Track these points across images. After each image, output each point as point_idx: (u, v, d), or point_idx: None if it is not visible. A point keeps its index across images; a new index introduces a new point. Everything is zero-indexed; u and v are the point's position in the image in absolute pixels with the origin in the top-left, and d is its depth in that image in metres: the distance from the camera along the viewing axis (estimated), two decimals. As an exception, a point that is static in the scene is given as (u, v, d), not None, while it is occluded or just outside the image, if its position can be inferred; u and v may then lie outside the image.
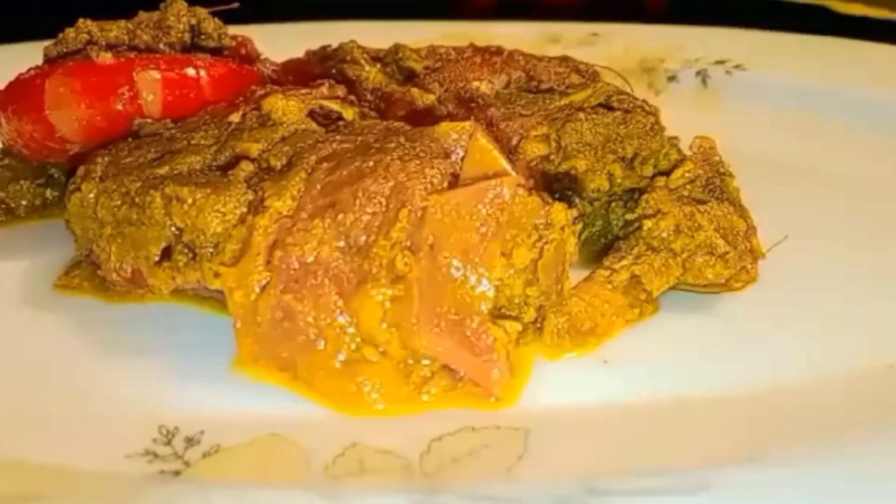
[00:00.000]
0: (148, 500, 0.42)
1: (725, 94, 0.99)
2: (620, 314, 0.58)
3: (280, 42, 0.81)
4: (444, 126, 0.56)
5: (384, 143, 0.55)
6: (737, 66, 1.02)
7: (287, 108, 0.60)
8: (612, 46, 1.06)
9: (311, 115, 0.61)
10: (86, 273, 0.63)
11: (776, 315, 0.59)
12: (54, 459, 0.46)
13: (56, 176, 0.72)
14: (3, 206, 0.71)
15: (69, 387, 0.54)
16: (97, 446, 0.48)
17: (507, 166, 0.55)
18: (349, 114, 0.62)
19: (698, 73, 1.02)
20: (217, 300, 0.58)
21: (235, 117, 0.61)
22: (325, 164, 0.54)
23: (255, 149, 0.57)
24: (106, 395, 0.53)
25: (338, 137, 0.57)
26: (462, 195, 0.52)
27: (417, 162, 0.54)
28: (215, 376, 0.53)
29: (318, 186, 0.53)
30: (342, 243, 0.51)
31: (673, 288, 0.60)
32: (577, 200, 0.62)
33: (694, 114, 0.87)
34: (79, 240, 0.61)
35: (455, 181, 0.54)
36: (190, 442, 0.48)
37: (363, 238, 0.51)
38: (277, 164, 0.56)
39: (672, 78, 1.02)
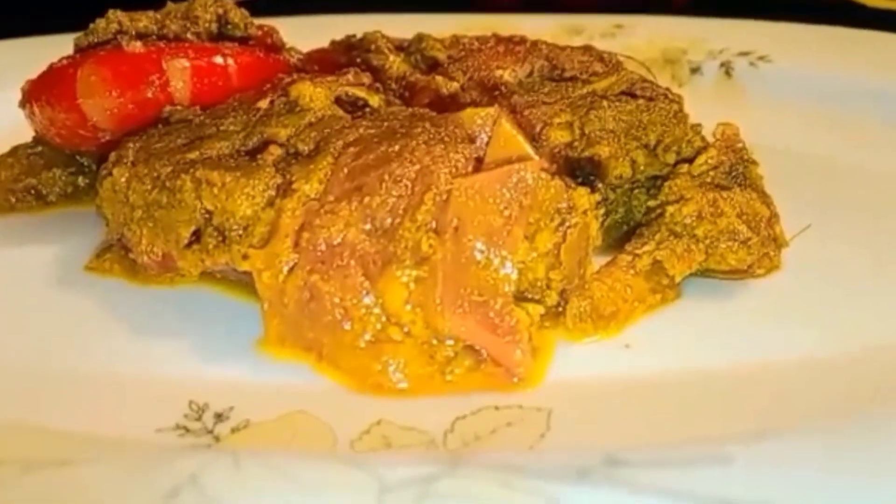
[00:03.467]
0: (180, 467, 0.43)
1: (749, 86, 0.99)
2: (642, 299, 0.58)
3: (305, 33, 0.83)
4: (469, 112, 0.57)
5: (410, 128, 0.56)
6: (761, 58, 1.02)
7: (314, 94, 0.60)
8: (635, 38, 1.06)
9: (338, 101, 0.62)
10: (116, 256, 0.64)
11: (798, 301, 0.59)
12: (85, 429, 0.48)
13: (87, 164, 0.73)
14: (35, 192, 0.73)
15: (100, 363, 0.55)
16: (128, 420, 0.50)
17: (530, 151, 0.55)
18: (375, 101, 0.63)
19: (722, 65, 1.02)
20: (245, 283, 0.59)
21: (263, 104, 0.62)
22: (351, 149, 0.55)
23: (283, 134, 0.58)
24: (137, 372, 0.54)
25: (364, 123, 0.58)
26: (486, 179, 0.53)
27: (442, 146, 0.54)
28: (243, 355, 0.54)
29: (345, 170, 0.54)
30: (368, 226, 0.52)
31: (695, 274, 0.60)
32: (600, 186, 0.62)
33: (717, 105, 0.87)
34: (110, 224, 0.62)
35: (479, 165, 0.55)
36: (219, 417, 0.50)
37: (389, 220, 0.52)
38: (305, 148, 0.56)
39: (695, 69, 1.02)
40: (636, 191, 0.65)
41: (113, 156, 0.62)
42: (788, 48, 1.03)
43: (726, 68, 1.02)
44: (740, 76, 1.01)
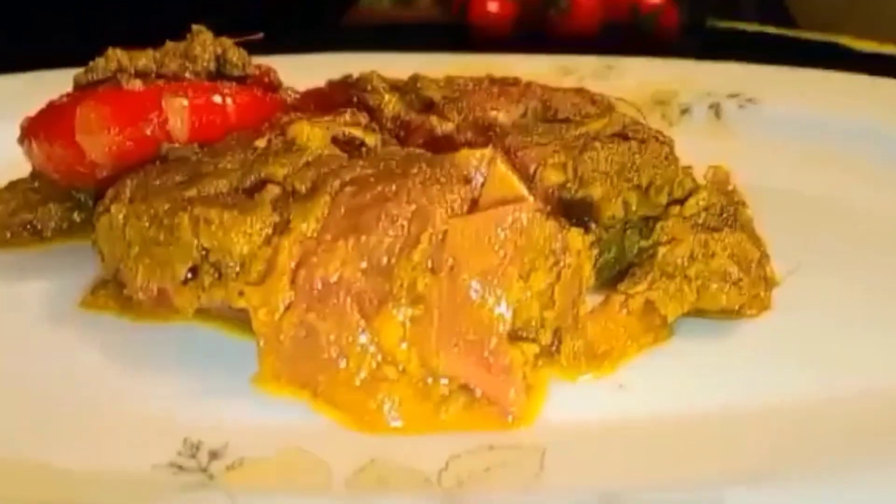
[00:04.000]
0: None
1: (738, 127, 1.01)
2: (635, 338, 0.59)
3: (301, 72, 0.84)
4: (465, 153, 0.58)
5: (406, 168, 0.57)
6: (749, 100, 1.04)
7: (312, 134, 0.61)
8: (625, 79, 1.08)
9: (335, 141, 0.62)
10: (111, 292, 0.64)
11: (790, 341, 0.60)
12: (78, 467, 0.48)
13: (83, 199, 0.73)
14: (31, 228, 0.73)
15: (94, 400, 0.55)
16: (122, 458, 0.49)
17: (525, 192, 0.56)
18: (371, 140, 0.63)
19: (711, 106, 1.03)
20: (240, 321, 0.59)
21: (261, 143, 0.62)
22: (348, 188, 0.56)
23: (280, 173, 0.58)
24: (130, 409, 0.54)
25: (361, 163, 0.59)
26: (481, 219, 0.54)
27: (438, 187, 0.55)
28: (238, 392, 0.54)
29: (342, 209, 0.55)
30: (364, 264, 0.53)
31: (688, 314, 0.61)
32: (593, 226, 0.63)
33: (707, 145, 0.88)
34: (106, 260, 0.62)
35: (475, 206, 0.55)
36: (214, 455, 0.49)
37: (385, 259, 0.53)
38: (302, 187, 0.57)
39: (685, 110, 1.04)
40: (628, 231, 0.66)
41: (110, 192, 0.62)
42: (776, 91, 1.05)
43: (715, 109, 1.03)
44: (729, 117, 1.03)
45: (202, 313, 0.59)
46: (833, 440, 0.51)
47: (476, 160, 0.57)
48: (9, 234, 0.73)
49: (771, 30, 1.70)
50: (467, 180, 0.56)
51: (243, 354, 0.56)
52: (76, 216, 0.73)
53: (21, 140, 0.69)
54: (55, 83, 0.72)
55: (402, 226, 0.53)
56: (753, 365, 0.58)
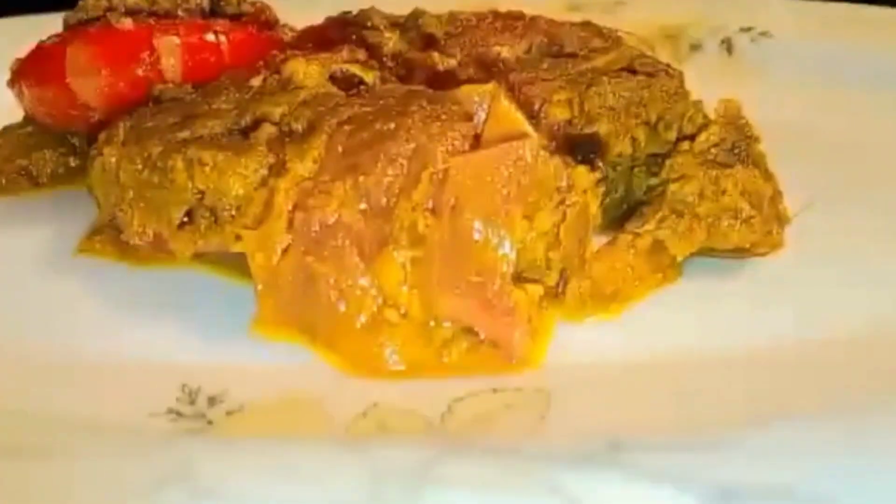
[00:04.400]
0: (174, 452, 0.42)
1: (750, 62, 0.98)
2: (643, 279, 0.57)
3: (299, 10, 0.81)
4: (466, 88, 0.56)
5: (405, 105, 0.55)
6: (762, 34, 1.01)
7: (308, 71, 0.59)
8: (634, 14, 1.05)
9: (332, 79, 0.61)
10: (108, 238, 0.63)
11: (802, 279, 0.59)
12: (76, 415, 0.47)
13: (78, 145, 0.72)
14: (26, 173, 0.72)
15: (91, 347, 0.54)
16: (120, 404, 0.49)
17: (529, 128, 0.54)
18: (370, 77, 0.61)
19: (723, 41, 1.00)
20: (238, 264, 0.58)
21: (256, 81, 0.60)
22: (346, 127, 0.54)
23: (276, 112, 0.57)
24: (128, 355, 0.53)
25: (359, 101, 0.57)
26: (484, 157, 0.52)
27: (439, 124, 0.53)
28: (237, 337, 0.53)
29: (340, 149, 0.53)
30: (363, 205, 0.51)
31: (697, 253, 0.59)
32: (600, 164, 0.61)
33: (718, 82, 0.85)
34: (102, 205, 0.61)
35: (477, 143, 0.54)
36: (213, 401, 0.49)
37: (384, 200, 0.51)
38: (299, 127, 0.55)
39: (695, 46, 1.01)
40: (636, 169, 0.64)
41: (103, 135, 0.61)
42: (790, 24, 1.02)
43: (727, 45, 1.00)
44: (741, 52, 1.00)
45: (200, 258, 0.58)
46: (845, 380, 0.50)
47: (478, 96, 0.55)
48: (3, 181, 0.71)
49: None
50: (469, 117, 0.54)
51: (242, 299, 0.55)
52: (72, 161, 0.72)
53: (11, 84, 0.67)
54: (44, 25, 0.70)
55: (402, 165, 0.52)
56: (764, 305, 0.56)
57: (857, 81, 0.91)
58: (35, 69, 0.65)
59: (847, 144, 0.79)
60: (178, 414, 0.48)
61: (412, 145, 0.52)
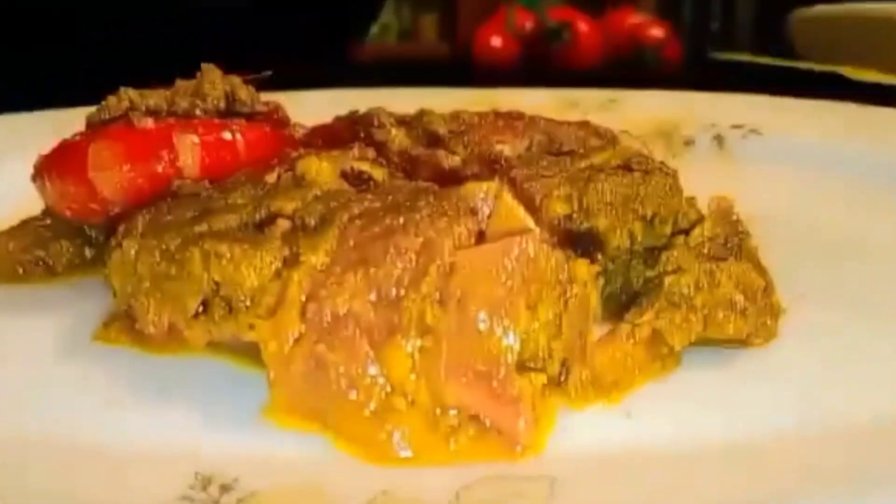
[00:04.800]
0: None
1: (741, 158, 1.02)
2: (643, 368, 0.59)
3: (309, 108, 0.85)
4: (471, 185, 0.58)
5: (414, 201, 0.58)
6: (752, 131, 1.05)
7: (320, 168, 0.62)
8: (629, 111, 1.10)
9: (343, 175, 0.64)
10: (123, 326, 0.65)
11: (797, 370, 0.60)
12: (90, 500, 0.48)
13: (94, 236, 0.74)
14: (43, 264, 0.74)
15: (105, 434, 0.55)
16: (133, 492, 0.50)
17: (531, 223, 0.57)
18: (379, 174, 0.64)
19: (714, 138, 1.04)
20: (251, 353, 0.60)
21: (271, 178, 0.63)
22: (357, 222, 0.57)
23: (289, 207, 0.59)
24: (142, 443, 0.54)
25: (369, 196, 0.60)
26: (489, 250, 0.54)
27: (446, 219, 0.56)
28: (249, 424, 0.55)
29: (351, 242, 0.55)
30: (373, 296, 0.53)
31: (695, 344, 0.61)
32: (599, 257, 0.63)
33: (711, 177, 0.89)
34: (118, 294, 0.63)
35: (482, 238, 0.56)
36: (225, 488, 0.50)
37: (393, 291, 0.53)
38: (311, 221, 0.58)
39: (689, 142, 1.05)
40: (633, 261, 0.66)
41: (122, 228, 0.63)
42: (779, 121, 1.06)
43: (719, 141, 1.04)
44: (732, 148, 1.04)
45: (213, 346, 0.60)
46: (840, 471, 0.51)
47: (483, 192, 0.58)
48: (21, 270, 0.74)
49: (772, 61, 1.72)
50: (474, 212, 0.57)
51: (254, 387, 0.57)
52: (87, 252, 0.74)
53: (34, 178, 0.70)
54: (67, 122, 0.73)
55: (411, 258, 0.54)
56: (761, 394, 0.58)
57: (845, 177, 0.95)
58: (58, 164, 0.68)
59: (837, 238, 0.82)
60: (191, 501, 0.49)
61: (420, 239, 0.55)
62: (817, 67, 1.61)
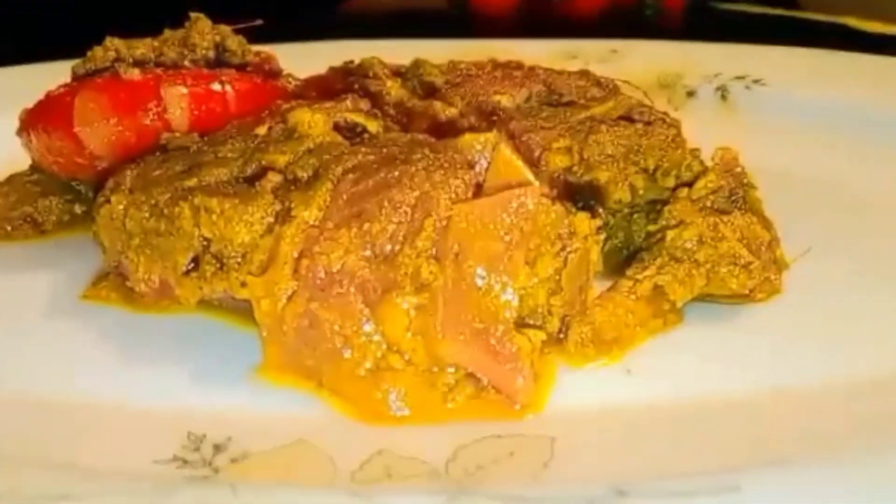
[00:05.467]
0: (178, 500, 0.42)
1: (745, 110, 1.00)
2: (644, 324, 0.58)
3: (302, 60, 0.83)
4: (468, 137, 0.57)
5: (409, 154, 0.56)
6: (756, 82, 1.02)
7: (313, 120, 0.60)
8: (630, 62, 1.07)
9: (336, 127, 0.62)
10: (113, 284, 0.63)
11: (800, 325, 0.59)
12: (82, 462, 0.47)
13: (83, 191, 0.73)
14: (31, 220, 0.73)
15: (96, 394, 0.54)
16: (125, 451, 0.49)
17: (530, 176, 0.55)
18: (373, 126, 0.62)
19: (718, 89, 1.02)
20: (242, 311, 0.58)
21: (261, 130, 0.61)
22: (350, 176, 0.55)
23: (281, 160, 0.58)
24: (134, 403, 0.53)
25: (363, 149, 0.58)
26: (486, 204, 0.53)
27: (442, 172, 0.54)
28: (241, 383, 0.54)
29: (344, 197, 0.54)
30: (368, 252, 0.52)
31: (696, 298, 0.60)
32: (600, 211, 0.62)
33: (713, 129, 0.87)
34: (107, 252, 0.62)
35: (479, 191, 0.54)
36: (218, 448, 0.49)
37: (388, 247, 0.52)
38: (304, 175, 0.56)
39: (691, 93, 1.03)
40: (635, 215, 0.65)
41: (110, 183, 0.62)
42: (783, 72, 1.04)
43: (722, 92, 1.02)
44: (736, 100, 1.01)
45: (204, 304, 0.59)
46: (843, 424, 0.50)
47: (479, 144, 0.56)
48: (9, 228, 0.72)
49: (775, 11, 1.69)
50: (471, 165, 0.55)
51: (246, 345, 0.56)
52: (77, 208, 0.73)
53: (20, 132, 0.68)
54: (53, 74, 0.71)
55: (406, 212, 0.53)
56: (763, 350, 0.57)
57: (849, 127, 0.93)
58: (43, 118, 0.66)
59: (840, 189, 0.80)
60: (184, 461, 0.48)
61: (416, 193, 0.53)
62: (821, 17, 1.58)
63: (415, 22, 1.49)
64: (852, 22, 1.51)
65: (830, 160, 0.87)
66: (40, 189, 0.73)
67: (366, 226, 0.52)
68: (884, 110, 0.94)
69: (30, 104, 0.68)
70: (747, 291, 0.60)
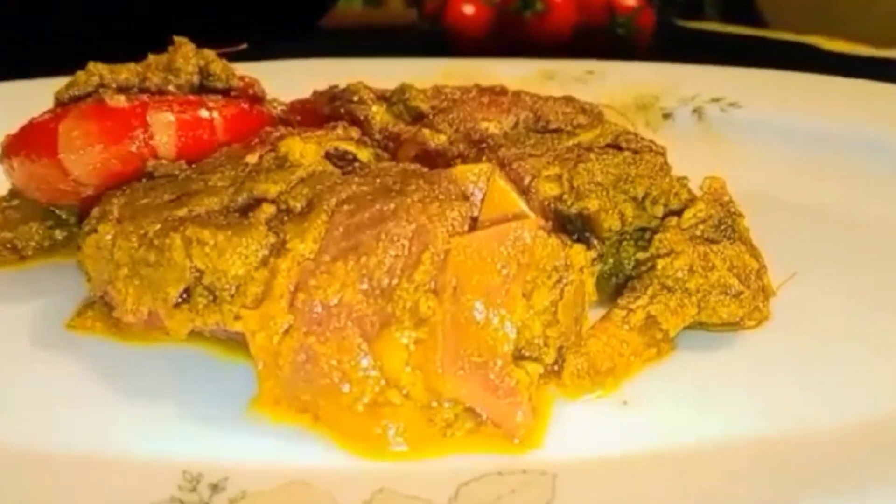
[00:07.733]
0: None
1: (720, 132, 1.01)
2: (638, 354, 0.58)
3: (283, 79, 0.82)
4: (462, 169, 0.57)
5: (404, 185, 0.56)
6: (731, 104, 1.04)
7: (304, 149, 0.60)
8: (607, 84, 1.08)
9: (327, 156, 0.61)
10: (98, 314, 0.62)
11: (790, 352, 0.60)
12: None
13: (64, 217, 0.71)
14: (11, 246, 0.71)
15: (85, 433, 0.53)
16: (121, 494, 0.47)
17: (525, 208, 0.55)
18: (364, 155, 0.62)
19: (694, 111, 1.03)
20: (232, 342, 0.58)
21: (252, 158, 0.61)
22: (345, 207, 0.55)
23: (273, 190, 0.57)
24: (126, 442, 0.52)
25: (356, 179, 0.57)
26: (484, 238, 0.53)
27: (438, 204, 0.54)
28: (236, 419, 0.53)
29: (340, 229, 0.53)
30: (365, 286, 0.52)
31: (688, 327, 0.60)
32: (595, 242, 0.62)
33: (692, 150, 0.88)
34: (93, 281, 0.61)
35: (474, 223, 0.54)
36: (215, 489, 0.48)
37: (386, 281, 0.52)
38: (297, 205, 0.56)
39: (667, 115, 1.04)
40: (624, 242, 0.65)
41: (96, 211, 0.61)
42: (757, 94, 1.05)
43: (698, 114, 1.03)
44: (711, 122, 1.03)
45: (194, 335, 0.58)
46: (834, 455, 0.50)
47: (474, 175, 0.56)
48: (-12, 254, 0.71)
49: (741, 30, 1.72)
50: (466, 197, 0.55)
51: (238, 378, 0.55)
52: (57, 234, 0.72)
53: (1, 158, 0.67)
54: (33, 93, 0.70)
55: (403, 245, 0.52)
56: (756, 378, 0.57)
57: (824, 149, 0.94)
58: (26, 145, 0.65)
59: (819, 213, 0.82)
60: (181, 503, 0.47)
61: (412, 226, 0.53)
62: (788, 37, 1.61)
63: (390, 38, 1.49)
64: (817, 42, 1.54)
65: (807, 182, 0.88)
66: (20, 215, 0.71)
67: (363, 259, 0.52)
68: (859, 133, 0.96)
69: (8, 123, 0.67)
70: (738, 320, 0.60)
